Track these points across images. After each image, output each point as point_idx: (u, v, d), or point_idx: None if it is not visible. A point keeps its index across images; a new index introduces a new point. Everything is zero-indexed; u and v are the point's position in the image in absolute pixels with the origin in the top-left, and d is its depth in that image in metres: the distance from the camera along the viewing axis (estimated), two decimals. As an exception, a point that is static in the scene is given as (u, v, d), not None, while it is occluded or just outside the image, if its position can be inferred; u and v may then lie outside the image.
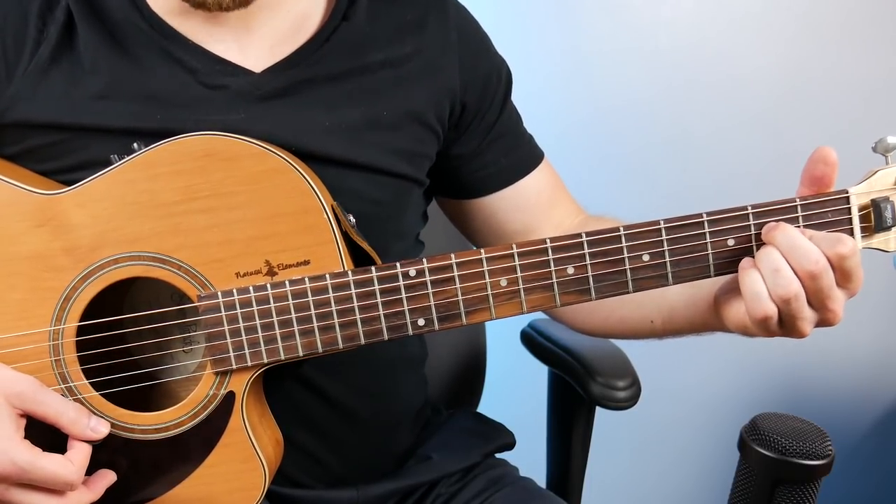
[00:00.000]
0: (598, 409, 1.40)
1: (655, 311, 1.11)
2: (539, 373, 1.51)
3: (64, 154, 1.00)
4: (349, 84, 1.07)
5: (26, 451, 0.88)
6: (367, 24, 1.09)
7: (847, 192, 0.92)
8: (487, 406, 1.51)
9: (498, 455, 1.29)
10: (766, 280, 0.89)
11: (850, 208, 0.92)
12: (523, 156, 1.22)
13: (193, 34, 1.03)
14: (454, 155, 1.17)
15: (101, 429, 0.93)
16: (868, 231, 0.93)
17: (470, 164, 1.19)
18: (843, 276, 0.89)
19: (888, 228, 0.93)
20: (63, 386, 0.95)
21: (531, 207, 1.21)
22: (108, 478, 0.96)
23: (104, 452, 0.96)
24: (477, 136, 1.18)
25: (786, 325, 0.91)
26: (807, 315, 0.90)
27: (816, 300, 0.89)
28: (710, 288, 1.01)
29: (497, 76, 1.19)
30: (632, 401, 1.37)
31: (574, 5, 1.98)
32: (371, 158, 1.06)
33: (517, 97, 1.24)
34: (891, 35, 2.03)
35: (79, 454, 0.91)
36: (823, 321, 0.92)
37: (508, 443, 1.29)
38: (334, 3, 1.09)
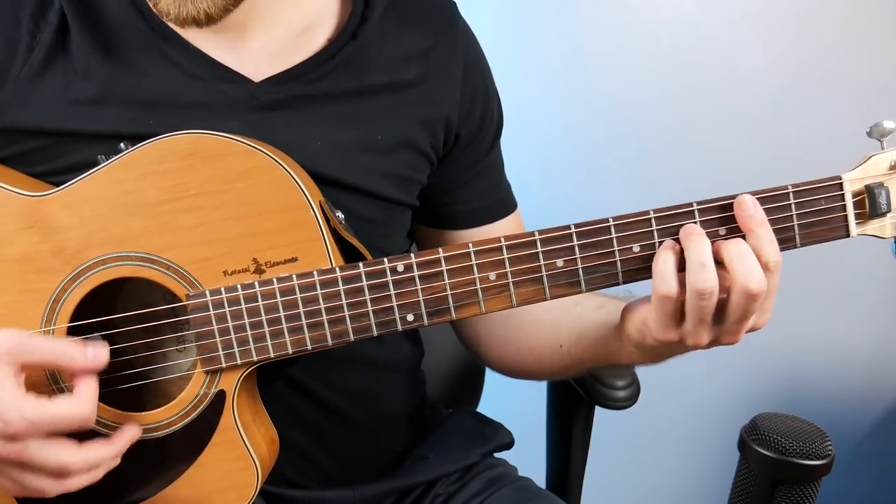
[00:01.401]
0: (597, 408, 1.39)
1: (566, 335, 1.12)
2: (538, 373, 1.50)
3: (55, 157, 1.00)
4: (348, 104, 1.06)
5: (33, 403, 0.84)
6: (375, 46, 1.09)
7: (840, 179, 0.92)
8: (487, 405, 1.51)
9: (497, 454, 1.28)
10: (688, 272, 0.89)
11: (843, 195, 0.92)
12: (496, 202, 1.23)
13: (193, 38, 1.03)
14: (431, 183, 1.16)
15: (102, 354, 0.88)
16: (862, 217, 0.93)
17: (443, 195, 1.19)
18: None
19: (883, 214, 0.92)
20: (55, 387, 0.95)
21: None
22: (130, 432, 0.92)
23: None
24: (459, 169, 1.18)
25: (689, 318, 0.91)
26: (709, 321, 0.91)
27: (735, 316, 0.90)
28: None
29: (491, 117, 1.19)
30: (631, 400, 1.36)
31: (574, 6, 1.98)
32: (362, 181, 1.06)
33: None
34: (891, 35, 2.02)
35: (86, 388, 0.87)
36: (725, 339, 0.93)
37: (507, 442, 1.28)
38: (346, 19, 1.09)
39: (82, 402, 0.86)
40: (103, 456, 0.89)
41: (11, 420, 0.82)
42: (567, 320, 1.12)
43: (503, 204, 1.23)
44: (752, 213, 0.89)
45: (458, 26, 1.16)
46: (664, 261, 0.90)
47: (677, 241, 0.90)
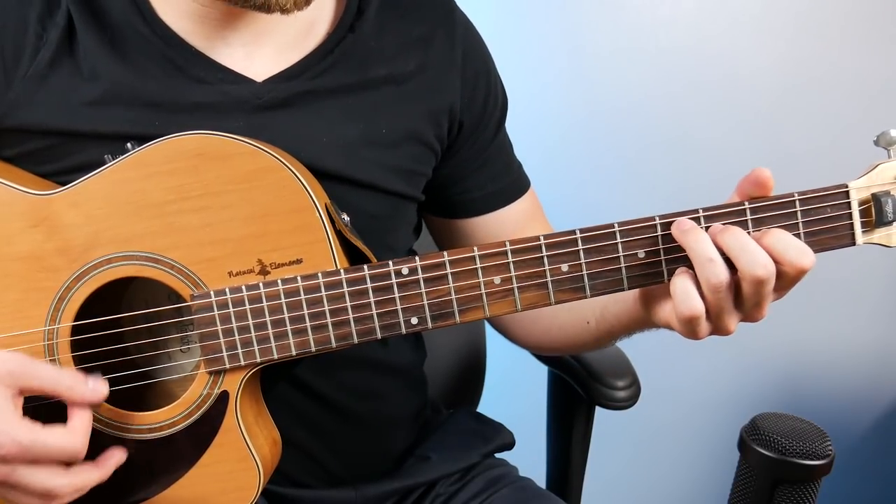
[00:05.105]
0: (597, 408, 1.40)
1: (590, 311, 1.11)
2: (539, 372, 1.51)
3: (62, 157, 1.00)
4: (350, 99, 1.06)
5: (27, 428, 0.85)
6: (373, 38, 1.08)
7: (847, 187, 0.91)
8: (487, 405, 1.51)
9: (497, 455, 1.29)
10: (697, 269, 0.87)
11: (849, 203, 0.91)
12: (509, 184, 1.22)
13: (198, 40, 1.02)
14: (441, 174, 1.16)
15: (102, 388, 0.90)
16: (868, 226, 0.92)
17: (455, 185, 1.19)
18: (789, 283, 0.89)
19: (889, 223, 0.92)
20: None
21: (507, 235, 1.16)
22: (116, 456, 0.93)
23: (100, 452, 0.95)
24: (466, 158, 1.17)
25: (712, 319, 0.90)
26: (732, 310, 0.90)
27: (752, 301, 0.89)
28: None
29: (495, 100, 1.18)
30: (631, 400, 1.36)
31: (574, 6, 1.98)
32: (368, 175, 1.06)
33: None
34: (891, 35, 2.03)
35: (80, 421, 0.88)
36: (750, 318, 0.92)
37: (508, 443, 1.28)
38: (342, 13, 1.09)
39: (74, 435, 0.88)
40: (90, 480, 0.91)
41: (3, 443, 0.84)
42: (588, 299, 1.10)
43: (516, 185, 1.23)
44: (686, 228, 0.88)
45: (455, 15, 1.16)
46: (683, 284, 0.88)
47: (691, 268, 0.89)
